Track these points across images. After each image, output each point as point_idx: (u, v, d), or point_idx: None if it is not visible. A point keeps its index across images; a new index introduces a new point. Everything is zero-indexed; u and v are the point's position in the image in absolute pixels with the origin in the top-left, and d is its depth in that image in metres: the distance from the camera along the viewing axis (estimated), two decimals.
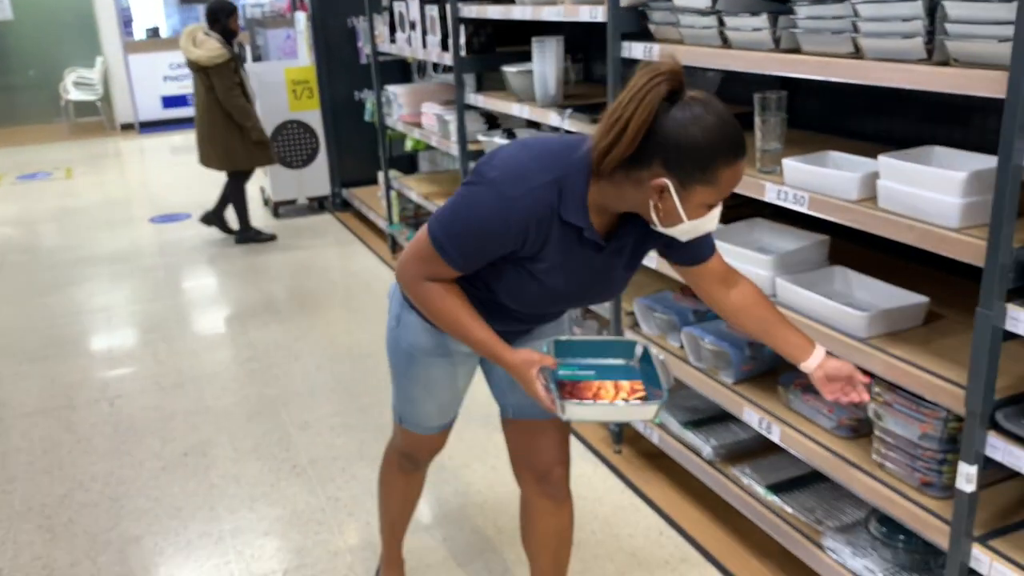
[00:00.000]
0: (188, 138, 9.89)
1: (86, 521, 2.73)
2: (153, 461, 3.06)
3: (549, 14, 2.93)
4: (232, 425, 3.29)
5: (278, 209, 6.31)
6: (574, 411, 1.57)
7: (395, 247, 5.27)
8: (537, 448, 1.95)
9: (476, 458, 2.98)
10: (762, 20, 2.09)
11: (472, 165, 3.78)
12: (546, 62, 3.12)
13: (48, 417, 3.42)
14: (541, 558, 2.06)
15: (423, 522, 2.64)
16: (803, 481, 2.42)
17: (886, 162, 1.84)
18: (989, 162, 1.63)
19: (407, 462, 2.11)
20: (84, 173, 8.25)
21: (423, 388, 1.91)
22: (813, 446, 2.12)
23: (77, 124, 10.62)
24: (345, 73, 6.01)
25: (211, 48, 5.10)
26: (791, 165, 2.06)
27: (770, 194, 2.11)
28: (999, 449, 1.64)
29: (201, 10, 10.92)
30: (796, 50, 2.06)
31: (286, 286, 4.85)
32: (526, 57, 3.39)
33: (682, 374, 2.57)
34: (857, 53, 1.88)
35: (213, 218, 5.62)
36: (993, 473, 1.80)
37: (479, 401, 2.23)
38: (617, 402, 1.62)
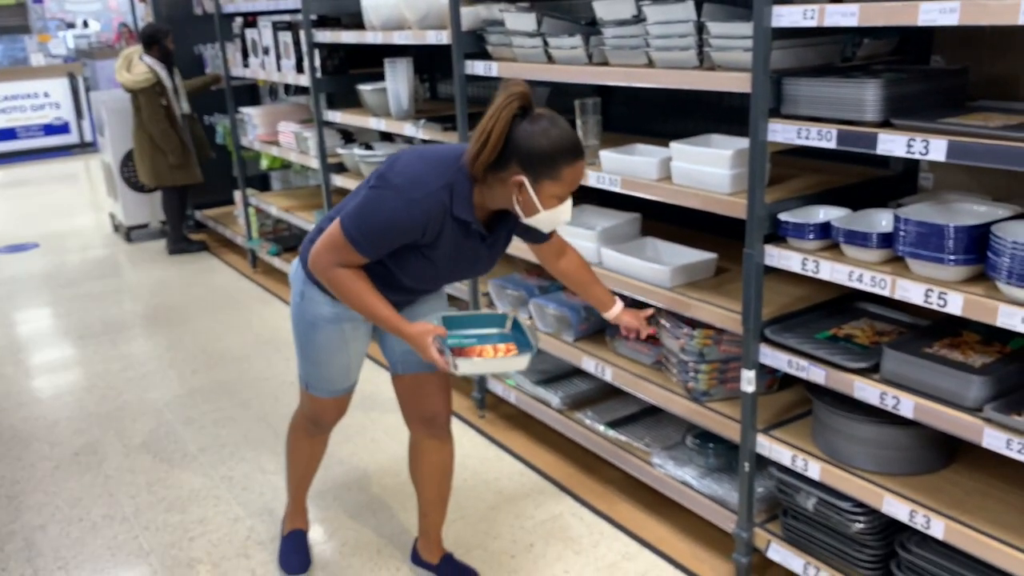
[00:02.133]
0: (19, 172, 9.60)
1: None
2: (44, 462, 3.21)
3: (399, 38, 3.35)
4: (118, 426, 3.47)
5: (130, 234, 6.36)
6: (464, 366, 1.98)
7: (255, 261, 5.50)
8: (424, 396, 2.34)
9: (357, 434, 3.32)
10: (577, 40, 2.60)
11: (333, 177, 4.15)
12: (398, 80, 3.53)
13: None
14: (428, 489, 2.44)
15: (318, 487, 2.96)
16: (634, 417, 2.93)
17: (676, 147, 2.38)
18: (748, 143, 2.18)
19: (313, 426, 2.41)
20: None
21: (326, 353, 2.22)
22: (636, 379, 2.62)
23: None
24: (201, 101, 6.15)
25: (138, 73, 5.34)
26: (606, 155, 2.58)
27: (591, 180, 2.61)
28: (769, 356, 2.19)
29: (27, 41, 10.64)
30: (606, 63, 2.57)
31: (151, 304, 4.99)
32: (376, 77, 3.79)
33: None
34: (650, 64, 2.41)
35: (176, 242, 5.92)
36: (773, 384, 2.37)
37: (358, 390, 2.54)
38: (497, 356, 2.06)
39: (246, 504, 2.89)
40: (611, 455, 2.80)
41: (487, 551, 2.59)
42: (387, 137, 4.30)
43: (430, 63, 4.41)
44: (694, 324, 2.46)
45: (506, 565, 2.52)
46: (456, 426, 3.32)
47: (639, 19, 2.37)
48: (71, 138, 10.52)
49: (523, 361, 2.03)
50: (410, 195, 1.89)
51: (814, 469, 2.14)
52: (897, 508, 1.97)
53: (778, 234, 2.13)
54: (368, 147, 3.97)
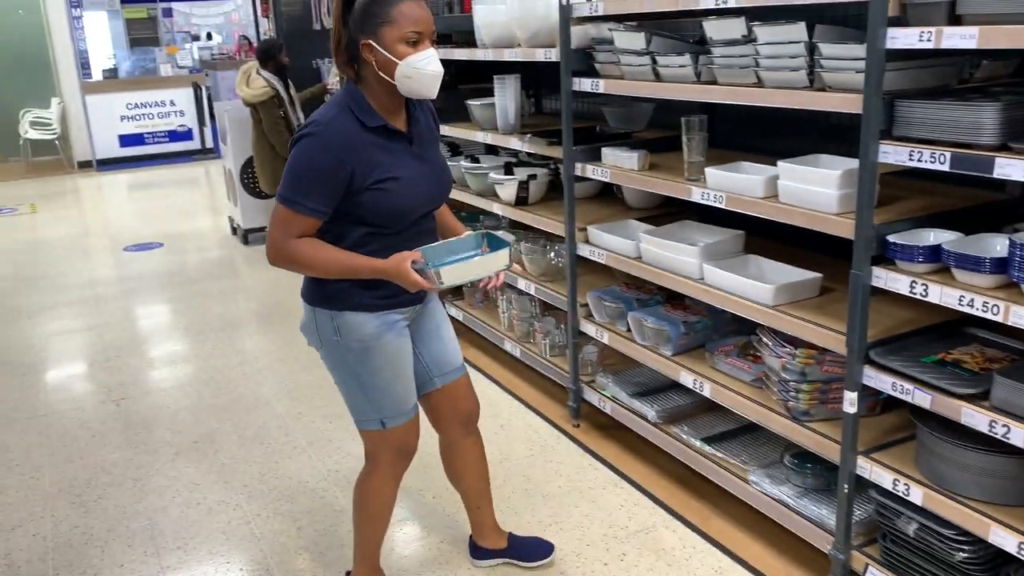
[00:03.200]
0: (147, 175, 10.21)
1: (114, 497, 3.09)
2: (166, 449, 3.44)
3: (510, 56, 3.46)
4: (234, 417, 3.68)
5: (247, 236, 6.69)
6: (448, 273, 1.97)
7: None
8: (461, 399, 2.43)
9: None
10: (686, 58, 2.64)
11: None
12: (507, 95, 3.64)
13: (61, 418, 3.76)
14: (477, 482, 2.55)
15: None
16: (732, 434, 2.93)
17: (784, 166, 2.38)
18: (857, 164, 2.18)
19: (404, 459, 2.31)
20: (49, 208, 8.50)
21: (390, 370, 2.17)
22: (735, 396, 2.63)
23: (34, 162, 10.82)
24: (312, 109, 6.41)
25: (257, 87, 5.64)
26: (712, 172, 2.60)
27: (695, 196, 2.64)
28: (873, 378, 2.17)
29: (157, 52, 11.29)
30: (713, 81, 2.60)
31: (265, 303, 5.25)
32: (483, 92, 3.91)
33: (630, 351, 3.07)
34: (759, 83, 2.43)
35: None
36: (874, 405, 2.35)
37: None
38: (475, 255, 2.08)
39: (351, 498, 3.01)
40: (707, 470, 2.81)
41: (580, 558, 2.64)
42: (492, 150, 4.42)
43: (536, 79, 4.51)
44: (796, 343, 2.45)
45: (599, 572, 2.57)
46: (550, 434, 3.40)
47: (749, 39, 2.40)
48: (194, 144, 11.13)
49: (502, 256, 2.07)
50: (316, 131, 1.96)
51: (916, 494, 2.11)
52: (1005, 539, 1.92)
53: (886, 256, 2.11)
54: (474, 159, 4.09)
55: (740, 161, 2.72)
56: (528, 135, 3.47)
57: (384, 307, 2.14)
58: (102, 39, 11.06)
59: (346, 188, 1.99)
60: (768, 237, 3.01)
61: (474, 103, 3.90)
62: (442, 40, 4.43)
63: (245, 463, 3.30)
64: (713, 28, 2.51)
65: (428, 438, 2.46)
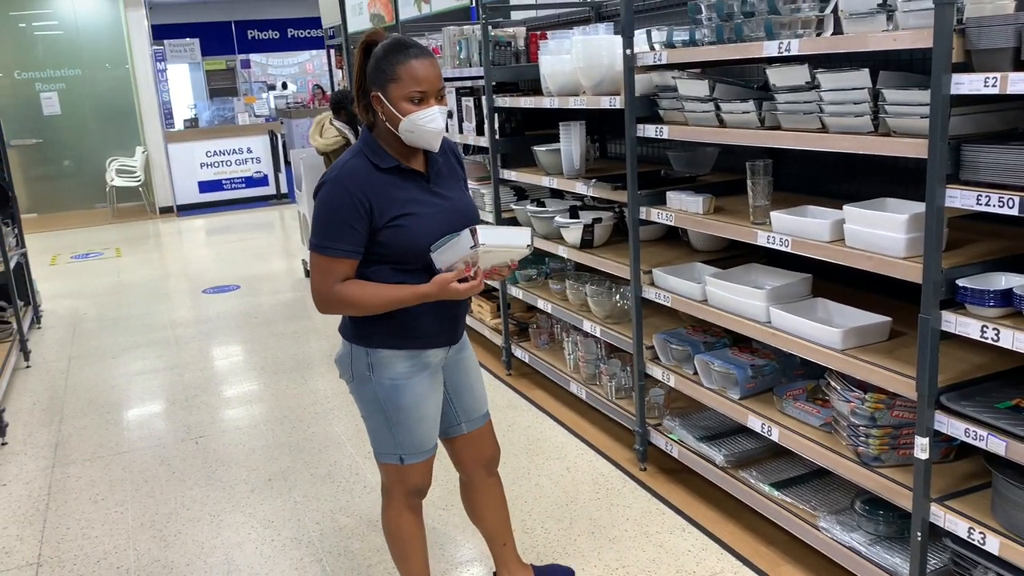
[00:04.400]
0: (224, 219, 10.58)
1: (193, 532, 3.20)
2: (242, 486, 3.55)
3: (575, 103, 3.54)
4: (306, 456, 3.78)
5: None
6: (483, 235, 2.03)
7: None
8: (484, 445, 2.52)
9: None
10: (750, 105, 2.67)
11: None
12: (572, 141, 3.71)
13: (143, 454, 3.91)
14: (499, 518, 2.61)
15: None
16: (801, 479, 2.89)
17: (850, 210, 2.39)
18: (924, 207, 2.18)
19: (416, 497, 2.39)
20: (132, 252, 8.89)
21: (416, 409, 2.24)
22: (804, 441, 2.61)
23: (119, 209, 11.34)
24: None
25: (329, 136, 5.87)
26: (777, 216, 2.62)
27: (761, 239, 2.66)
28: (945, 424, 2.14)
29: (235, 102, 11.77)
30: (777, 127, 2.63)
31: (336, 343, 5.37)
32: (548, 138, 4.00)
33: (697, 395, 3.07)
34: (823, 128, 2.45)
35: None
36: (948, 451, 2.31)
37: None
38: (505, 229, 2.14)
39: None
40: (776, 516, 2.78)
41: None
42: (557, 194, 4.49)
43: (600, 125, 4.59)
44: (866, 388, 2.43)
45: None
46: (616, 478, 3.40)
47: (813, 86, 2.43)
48: (269, 190, 11.53)
49: (526, 233, 2.12)
50: (334, 176, 2.10)
51: (993, 543, 2.06)
52: None
53: (956, 300, 2.10)
54: (540, 204, 4.17)
55: (806, 205, 2.73)
56: (593, 180, 3.53)
57: (419, 346, 2.22)
58: (184, 90, 11.61)
59: (369, 226, 2.09)
60: (836, 280, 3.00)
61: (540, 149, 3.99)
62: (508, 89, 4.55)
63: (317, 501, 3.38)
64: (777, 75, 2.55)
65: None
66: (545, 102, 3.79)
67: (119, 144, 11.48)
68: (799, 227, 2.55)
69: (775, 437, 2.72)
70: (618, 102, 3.22)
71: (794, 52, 2.41)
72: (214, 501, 3.43)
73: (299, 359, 5.15)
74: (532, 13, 5.12)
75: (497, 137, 4.35)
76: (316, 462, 3.72)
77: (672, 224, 3.11)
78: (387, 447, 2.31)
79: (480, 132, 4.53)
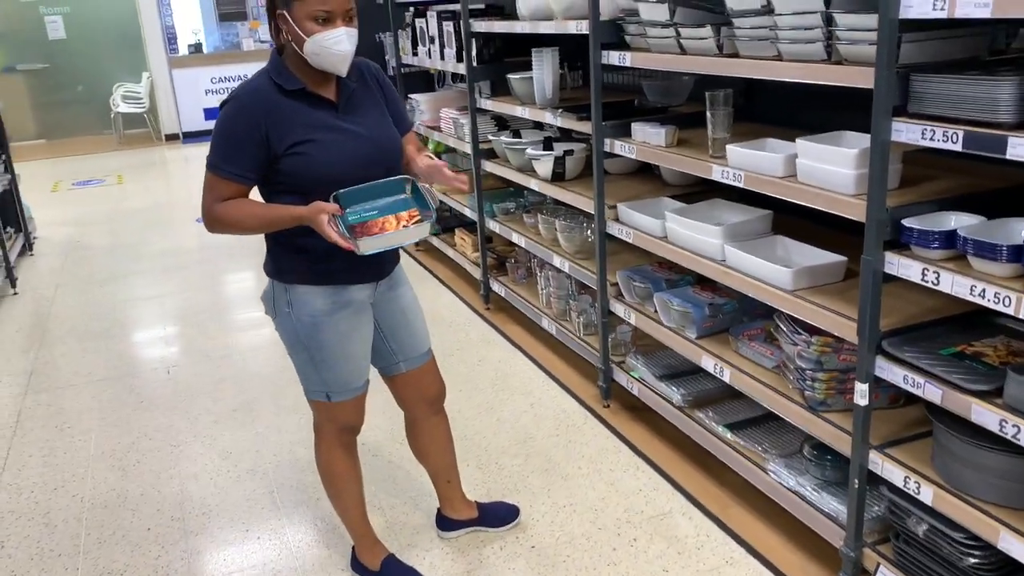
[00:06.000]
0: None
1: (151, 462, 3.22)
2: (206, 416, 3.55)
3: (544, 28, 3.39)
4: (274, 388, 3.77)
5: None
6: (367, 244, 1.96)
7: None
8: (426, 384, 2.47)
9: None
10: (708, 30, 2.52)
11: (484, 163, 4.26)
12: (544, 69, 3.57)
13: (114, 384, 3.93)
14: (444, 456, 2.59)
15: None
16: (756, 421, 2.83)
17: (802, 144, 2.26)
18: None
19: (348, 434, 2.36)
20: (134, 180, 8.86)
21: (339, 347, 2.18)
22: (754, 383, 2.54)
23: (125, 135, 11.28)
24: None
25: None
26: (732, 149, 2.50)
27: (716, 174, 2.54)
28: (886, 370, 2.05)
29: (240, 27, 11.54)
30: (735, 55, 2.49)
31: None
32: (529, 66, 3.84)
33: (656, 333, 2.99)
34: (778, 56, 2.31)
35: None
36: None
37: None
38: (399, 228, 2.02)
39: (375, 469, 3.06)
40: (728, 458, 2.72)
41: (589, 540, 2.61)
42: (539, 126, 4.35)
43: (583, 52, 4.40)
44: (813, 331, 2.34)
45: (606, 557, 2.53)
46: (579, 415, 3.36)
47: (768, 9, 2.27)
48: None
49: (424, 229, 2.03)
50: (236, 95, 2.00)
51: (927, 493, 1.99)
52: (1013, 545, 1.80)
53: (901, 241, 1.99)
54: (516, 134, 4.04)
55: (767, 138, 2.59)
56: (560, 109, 3.40)
57: (338, 281, 2.14)
58: (190, 15, 11.39)
59: (266, 152, 2.00)
60: (800, 216, 2.88)
61: (514, 77, 3.85)
62: (494, 12, 4.38)
63: (278, 433, 3.38)
64: None
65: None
66: (517, 27, 3.64)
67: (126, 69, 11.36)
68: (753, 161, 2.42)
69: (727, 378, 2.65)
70: (584, 26, 3.07)
71: None
72: (176, 431, 3.44)
73: None
74: None
75: (475, 64, 4.20)
76: (283, 394, 3.71)
77: (634, 157, 2.99)
78: (313, 384, 2.27)
79: (460, 59, 4.38)
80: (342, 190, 2.01)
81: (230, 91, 2.06)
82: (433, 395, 2.51)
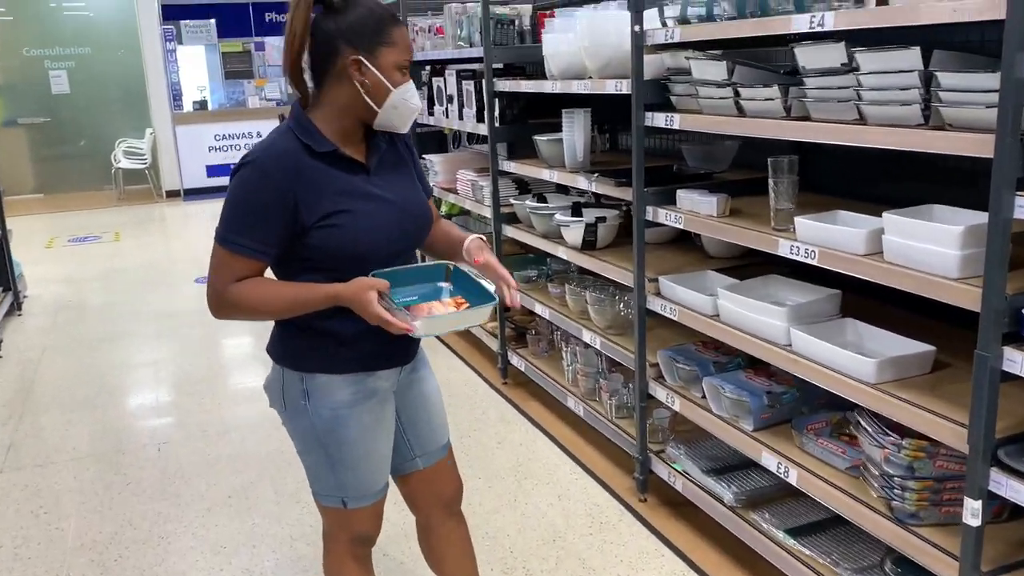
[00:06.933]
0: None
1: (135, 557, 2.87)
2: (199, 502, 3.21)
3: (578, 87, 3.16)
4: (274, 470, 3.43)
5: None
6: (428, 325, 1.72)
7: None
8: (444, 482, 2.12)
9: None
10: (774, 90, 2.28)
11: (505, 227, 4.01)
12: (575, 131, 3.33)
13: (99, 461, 3.59)
14: (465, 566, 2.19)
15: None
16: (821, 526, 2.51)
17: (891, 218, 1.99)
18: (984, 218, 1.78)
19: (362, 546, 2.05)
20: (132, 236, 8.60)
21: (361, 444, 1.88)
22: (827, 487, 2.22)
23: (125, 191, 11.07)
24: None
25: None
26: (802, 223, 2.22)
27: (783, 249, 2.27)
28: (1003, 485, 1.75)
29: (246, 85, 11.45)
30: (806, 117, 2.24)
31: None
32: (555, 127, 3.61)
33: (704, 422, 2.69)
34: (862, 119, 2.06)
35: None
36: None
37: None
38: (461, 310, 1.76)
39: (386, 571, 2.72)
40: (790, 568, 2.39)
41: None
42: (563, 189, 4.11)
43: (611, 112, 4.19)
44: (903, 431, 2.04)
45: None
46: (613, 510, 3.03)
47: (850, 68, 2.03)
48: None
49: (485, 312, 1.77)
50: (254, 158, 1.70)
51: None
52: None
53: (1021, 334, 1.70)
54: (541, 199, 3.79)
55: (837, 210, 2.33)
56: (596, 174, 3.15)
57: (366, 367, 1.84)
58: (197, 72, 11.29)
59: (293, 224, 1.71)
60: (868, 295, 2.60)
61: (541, 138, 3.61)
62: (515, 73, 4.17)
63: (277, 525, 3.03)
64: (807, 55, 2.15)
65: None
66: (547, 86, 3.41)
67: (129, 125, 11.21)
68: (828, 236, 2.15)
69: (793, 480, 2.33)
70: (625, 86, 2.83)
71: (828, 28, 2.01)
72: (164, 520, 3.10)
73: None
74: None
75: (497, 124, 3.97)
76: (283, 478, 3.38)
77: (681, 227, 2.72)
78: (327, 488, 1.94)
79: (481, 119, 4.15)
80: (381, 270, 1.75)
81: (246, 152, 1.75)
82: (450, 496, 2.16)
